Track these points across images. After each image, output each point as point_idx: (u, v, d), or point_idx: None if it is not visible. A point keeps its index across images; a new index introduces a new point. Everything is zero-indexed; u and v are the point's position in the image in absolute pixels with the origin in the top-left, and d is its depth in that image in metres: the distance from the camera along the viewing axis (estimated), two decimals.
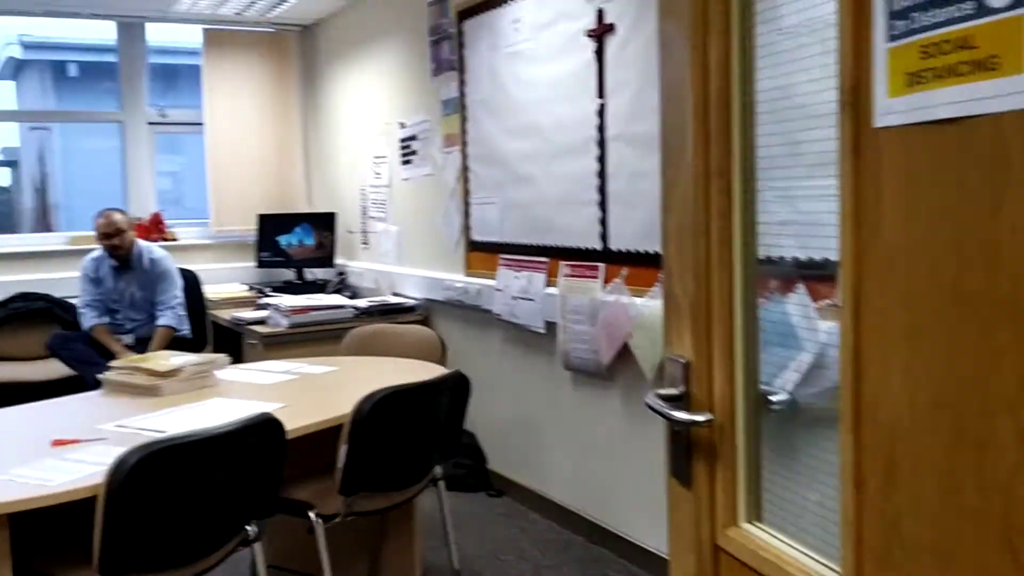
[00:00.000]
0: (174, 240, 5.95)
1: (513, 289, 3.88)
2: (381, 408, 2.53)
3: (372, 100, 5.35)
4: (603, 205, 3.38)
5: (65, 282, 5.13)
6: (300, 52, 6.18)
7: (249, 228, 5.95)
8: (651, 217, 3.13)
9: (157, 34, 6.11)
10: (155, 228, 5.89)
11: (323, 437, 2.58)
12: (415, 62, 4.76)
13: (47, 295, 5.49)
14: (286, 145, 6.14)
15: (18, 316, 5.32)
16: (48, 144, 11.97)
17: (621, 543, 3.43)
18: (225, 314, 5.12)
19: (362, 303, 4.79)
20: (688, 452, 1.24)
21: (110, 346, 4.60)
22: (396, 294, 5.05)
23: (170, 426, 2.49)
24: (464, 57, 4.25)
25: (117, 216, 4.72)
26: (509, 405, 4.14)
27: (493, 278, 4.05)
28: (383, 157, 5.22)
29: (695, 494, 1.24)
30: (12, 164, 11.34)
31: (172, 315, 4.74)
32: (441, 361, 3.49)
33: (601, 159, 3.37)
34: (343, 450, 2.51)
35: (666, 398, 1.25)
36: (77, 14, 5.65)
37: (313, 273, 5.87)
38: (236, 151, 5.99)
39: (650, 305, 3.08)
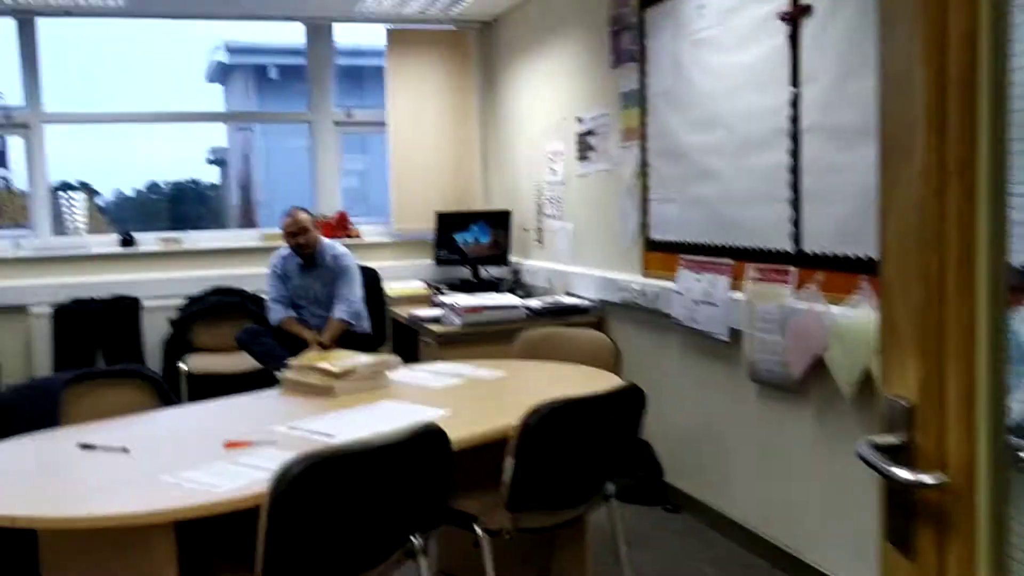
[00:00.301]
0: (358, 238, 6.08)
1: (694, 292, 3.65)
2: (549, 422, 2.39)
3: (549, 95, 5.23)
4: (795, 203, 3.09)
5: (257, 277, 5.33)
6: (479, 49, 6.15)
7: (428, 226, 5.98)
8: (850, 216, 2.82)
9: (344, 36, 6.27)
10: (340, 226, 6.04)
11: (491, 445, 2.47)
12: (594, 54, 4.59)
13: (241, 290, 5.73)
14: (464, 143, 6.14)
15: (214, 310, 5.58)
16: (252, 144, 12.69)
17: (811, 573, 3.13)
18: (403, 311, 5.16)
19: (535, 303, 4.68)
20: (911, 516, 1.01)
21: (301, 334, 4.73)
22: (570, 294, 4.91)
23: (339, 430, 2.46)
24: (645, 47, 4.05)
25: (302, 215, 4.84)
26: (688, 415, 3.90)
27: (672, 280, 3.82)
28: (559, 153, 5.09)
29: (920, 569, 1.00)
30: (221, 163, 12.05)
31: (347, 309, 4.81)
32: (615, 368, 3.31)
33: (793, 152, 3.08)
34: (509, 464, 2.39)
35: (883, 449, 1.02)
36: (270, 17, 5.85)
37: (488, 271, 5.83)
38: (417, 150, 6.04)
39: (849, 315, 2.78)
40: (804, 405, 3.14)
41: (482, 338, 4.45)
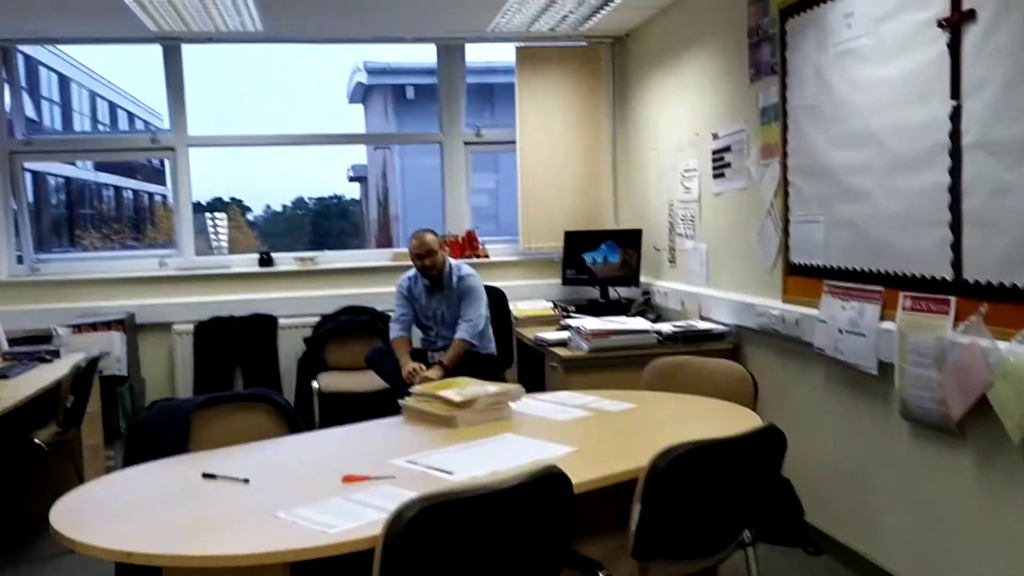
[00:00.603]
0: (486, 257, 6.04)
1: (840, 321, 3.39)
2: (680, 466, 2.23)
3: (683, 110, 5.05)
4: (955, 226, 2.82)
5: (388, 296, 5.32)
6: (611, 64, 6.02)
7: (556, 245, 5.89)
8: (1020, 242, 2.54)
9: (476, 54, 6.27)
10: (469, 245, 6.02)
11: (619, 484, 2.33)
12: (731, 68, 4.39)
13: (371, 308, 5.79)
14: (595, 160, 6.02)
15: (345, 328, 5.65)
16: (390, 161, 13.02)
17: None
18: (530, 333, 5.07)
19: (666, 328, 4.49)
20: None
21: (400, 359, 4.72)
22: (704, 318, 4.71)
23: (458, 467, 2.37)
24: (786, 59, 3.82)
25: (428, 237, 4.83)
26: (832, 452, 3.64)
27: (815, 307, 3.58)
28: (693, 170, 4.89)
29: None
30: (361, 180, 12.43)
31: (470, 330, 4.76)
32: (751, 402, 3.11)
33: (954, 171, 2.81)
34: (636, 510, 2.24)
35: None
36: (402, 39, 5.91)
37: (617, 292, 5.68)
38: (546, 168, 5.96)
39: (1018, 352, 2.49)
40: (963, 448, 2.85)
41: (610, 363, 4.30)
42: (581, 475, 2.21)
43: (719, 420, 2.86)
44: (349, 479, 2.30)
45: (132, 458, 2.92)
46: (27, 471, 4.33)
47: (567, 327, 4.60)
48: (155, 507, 2.22)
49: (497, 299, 5.21)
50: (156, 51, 5.74)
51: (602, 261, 5.65)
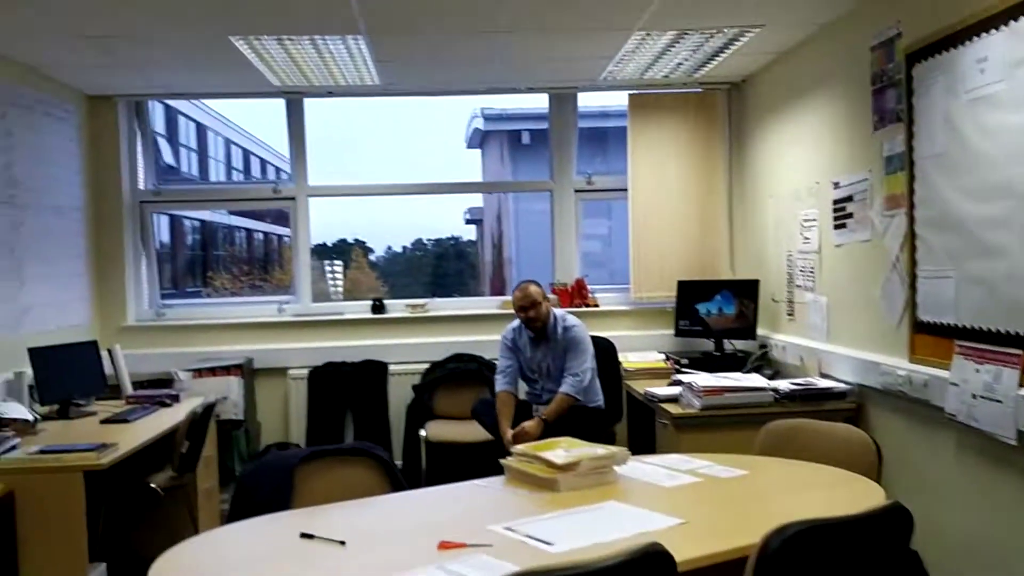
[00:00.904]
0: (595, 306, 5.95)
1: (973, 385, 3.15)
2: (794, 545, 2.07)
3: (803, 158, 4.87)
4: None
5: (495, 344, 5.28)
6: (727, 111, 5.88)
7: (669, 295, 5.75)
8: None
9: (589, 99, 6.23)
10: (578, 294, 5.95)
11: (725, 563, 2.20)
12: (853, 114, 4.20)
13: (479, 357, 5.78)
14: (709, 209, 5.87)
15: (453, 376, 5.65)
16: (504, 205, 13.17)
17: None
18: (640, 386, 4.94)
19: (783, 385, 4.29)
20: None
21: (501, 424, 4.66)
22: (824, 375, 4.47)
23: (558, 537, 2.28)
24: (913, 106, 3.62)
25: (532, 289, 4.78)
26: (966, 528, 3.36)
27: (945, 368, 3.34)
28: (812, 220, 4.69)
29: None
30: (478, 222, 12.64)
31: (575, 384, 4.67)
32: (874, 471, 2.91)
33: None
34: None
35: None
36: (515, 89, 5.94)
37: (732, 344, 5.49)
38: (659, 216, 5.84)
39: None
40: None
41: (723, 422, 4.14)
42: (686, 552, 2.09)
43: (838, 492, 2.68)
44: (445, 545, 2.25)
45: (237, 511, 2.96)
46: (142, 514, 4.46)
47: (678, 382, 4.45)
48: (252, 567, 2.22)
49: (606, 350, 5.11)
50: (281, 104, 5.95)
51: (717, 312, 5.47)
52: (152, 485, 4.19)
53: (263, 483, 2.97)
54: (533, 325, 4.78)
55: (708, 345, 5.59)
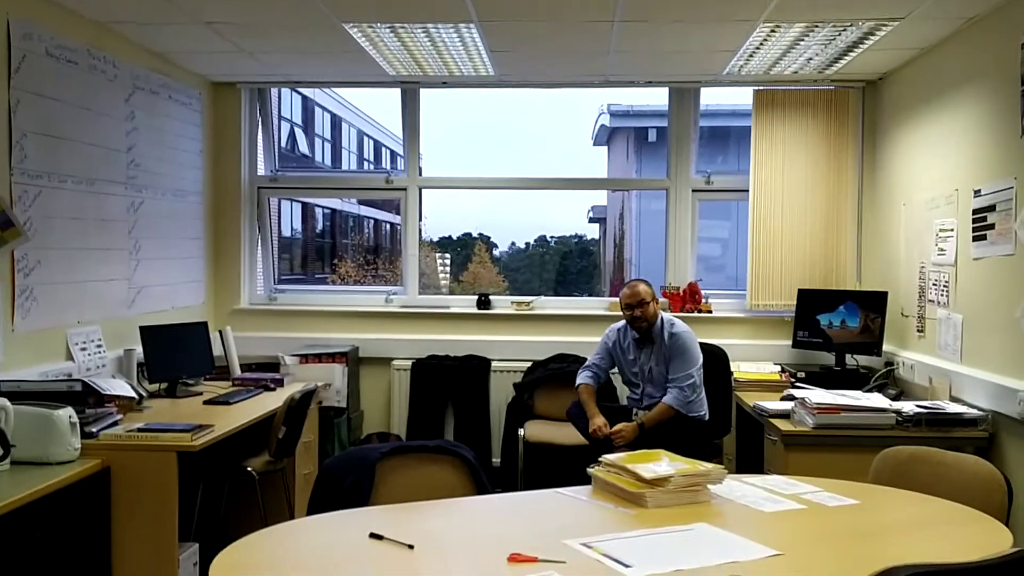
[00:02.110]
0: (709, 312, 5.69)
1: None
2: None
3: (940, 163, 4.50)
4: None
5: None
6: (860, 110, 5.51)
7: (788, 304, 5.45)
8: None
9: (709, 97, 5.97)
10: (691, 299, 5.70)
11: None
12: (999, 117, 3.84)
13: (582, 358, 5.61)
14: (836, 214, 5.51)
15: (554, 376, 5.51)
16: (627, 204, 12.97)
17: None
18: (750, 398, 4.69)
19: (907, 407, 3.95)
20: None
21: (588, 410, 4.52)
22: (954, 399, 4.11)
23: (638, 560, 2.11)
24: None
25: (641, 287, 4.59)
26: None
27: None
28: (949, 230, 4.32)
29: None
30: (601, 221, 12.54)
31: (678, 396, 4.46)
32: (1003, 512, 2.61)
33: None
34: None
35: None
36: (634, 83, 5.74)
37: (855, 359, 5.14)
38: (781, 219, 5.53)
39: None
40: None
41: (837, 443, 3.85)
42: None
43: (960, 533, 2.41)
44: (515, 559, 2.11)
45: (318, 502, 2.91)
46: (239, 496, 4.51)
47: (791, 397, 4.18)
48: (317, 564, 2.14)
49: (718, 358, 4.87)
50: (395, 94, 5.94)
51: (839, 325, 5.14)
52: (248, 468, 4.22)
53: (344, 475, 2.91)
54: (639, 325, 4.58)
55: (827, 359, 5.26)
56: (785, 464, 3.89)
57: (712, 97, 6.04)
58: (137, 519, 3.44)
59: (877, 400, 4.04)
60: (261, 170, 6.06)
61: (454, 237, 8.58)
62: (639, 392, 4.67)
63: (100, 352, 4.40)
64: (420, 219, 6.05)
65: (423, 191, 6.05)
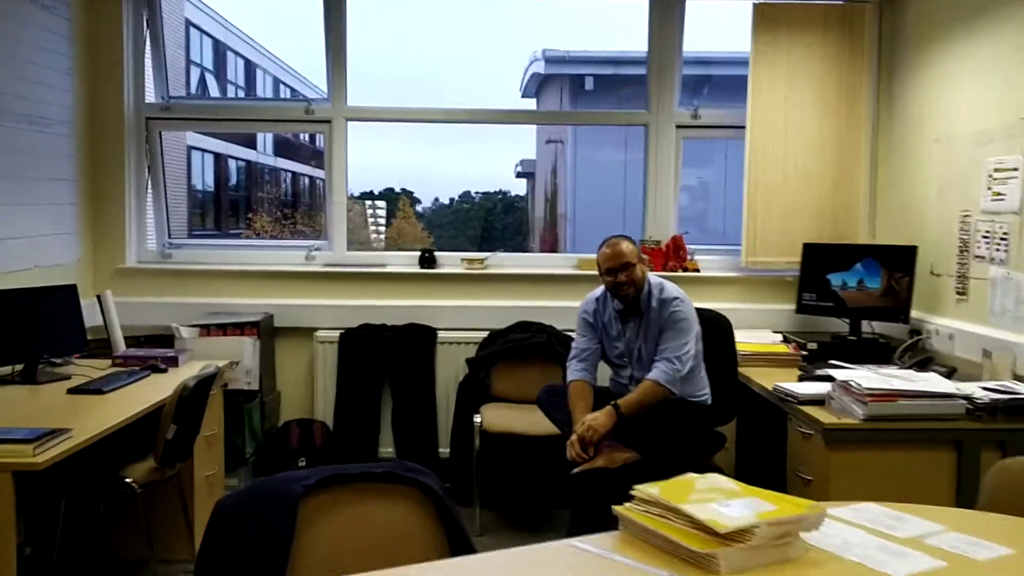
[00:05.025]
0: (695, 271, 4.82)
1: None
2: None
3: (987, 88, 3.70)
4: None
5: (568, 312, 4.17)
6: (876, 32, 4.65)
7: (791, 261, 4.61)
8: None
9: (694, 42, 4.98)
10: (674, 255, 4.82)
11: None
12: None
13: (550, 327, 4.70)
14: (849, 154, 4.66)
15: (518, 349, 4.57)
16: (561, 156, 12.16)
17: None
18: (755, 375, 3.85)
19: (979, 392, 3.14)
20: None
21: (573, 413, 3.50)
22: (1019, 377, 3.33)
23: None
24: None
25: (625, 246, 3.60)
26: None
27: None
28: (1012, 171, 3.51)
29: None
30: (529, 176, 11.93)
31: (667, 370, 3.46)
32: None
33: None
34: None
35: None
36: None
37: (871, 327, 4.34)
38: (783, 161, 4.66)
39: None
40: None
41: (891, 439, 3.03)
42: None
43: None
44: None
45: (209, 562, 1.94)
46: (122, 511, 3.50)
47: (828, 378, 3.33)
48: None
49: (720, 328, 3.93)
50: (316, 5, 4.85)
51: (855, 286, 4.32)
52: (128, 479, 3.21)
53: (250, 520, 1.94)
54: (623, 293, 3.60)
55: (838, 326, 4.45)
56: (826, 466, 3.06)
57: (696, 42, 5.02)
58: None
59: (938, 382, 3.21)
60: (150, 97, 4.91)
61: (376, 192, 8.08)
62: (625, 375, 3.72)
63: None
64: (345, 159, 5.00)
65: (349, 125, 4.99)
